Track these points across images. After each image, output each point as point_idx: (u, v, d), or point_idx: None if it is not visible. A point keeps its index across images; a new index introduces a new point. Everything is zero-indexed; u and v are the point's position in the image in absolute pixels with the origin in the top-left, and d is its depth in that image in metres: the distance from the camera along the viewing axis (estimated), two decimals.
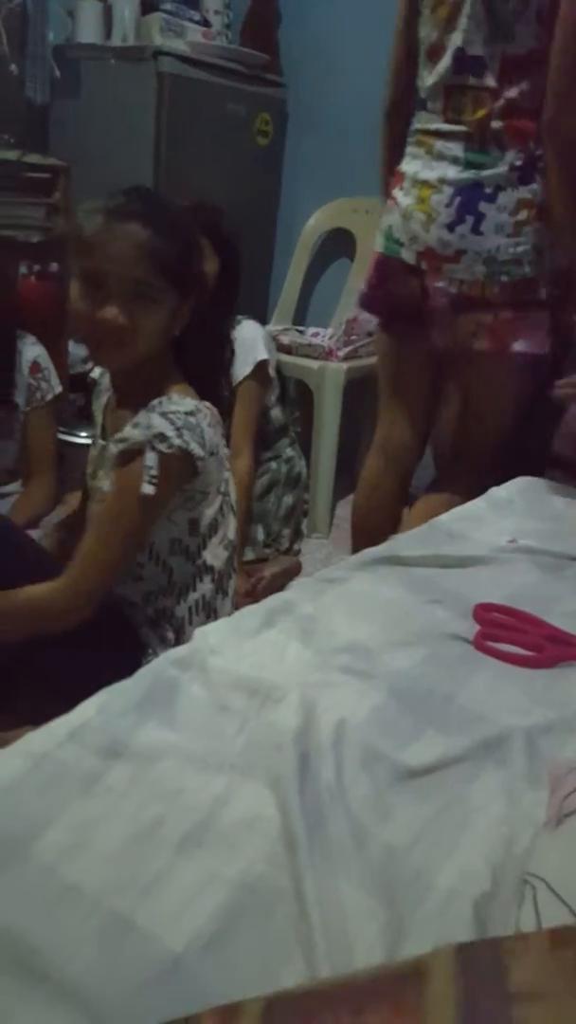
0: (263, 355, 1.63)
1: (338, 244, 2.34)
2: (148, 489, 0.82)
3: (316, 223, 2.32)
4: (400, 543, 0.94)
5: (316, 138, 2.33)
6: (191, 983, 0.41)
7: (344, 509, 2.23)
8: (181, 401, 0.87)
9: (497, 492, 1.16)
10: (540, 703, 0.67)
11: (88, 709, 0.59)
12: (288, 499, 1.85)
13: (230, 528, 0.97)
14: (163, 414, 0.84)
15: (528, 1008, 0.22)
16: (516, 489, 1.18)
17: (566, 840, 0.44)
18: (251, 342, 1.64)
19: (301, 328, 2.24)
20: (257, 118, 2.24)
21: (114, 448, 0.87)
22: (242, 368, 1.62)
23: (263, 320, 1.97)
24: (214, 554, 0.93)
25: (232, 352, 1.62)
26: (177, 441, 0.82)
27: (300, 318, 2.40)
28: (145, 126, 1.98)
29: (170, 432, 0.83)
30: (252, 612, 0.75)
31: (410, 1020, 0.23)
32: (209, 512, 0.91)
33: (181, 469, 0.85)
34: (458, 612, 0.80)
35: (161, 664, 0.65)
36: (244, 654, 0.68)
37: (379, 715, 0.63)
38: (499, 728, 0.63)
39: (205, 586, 0.94)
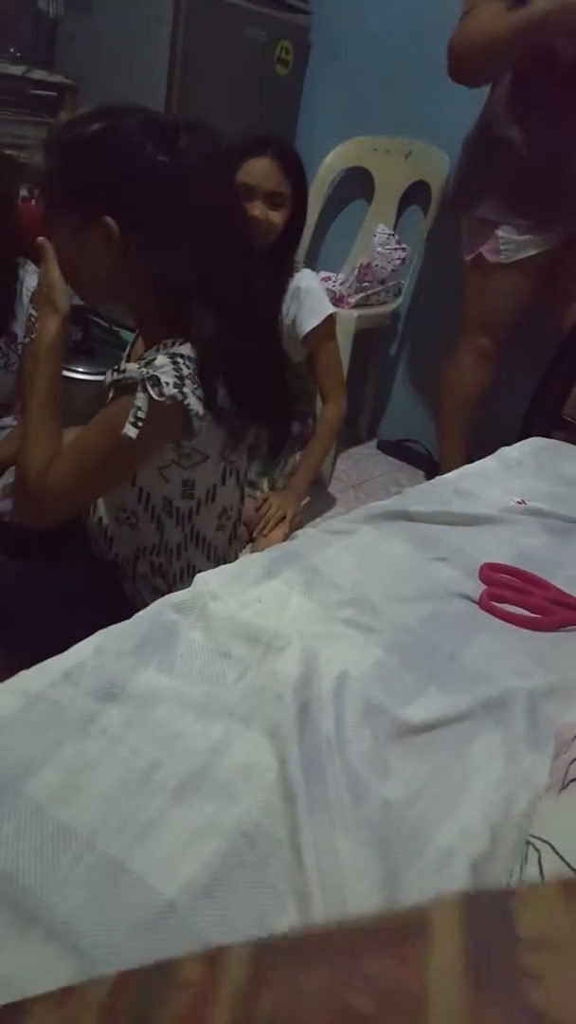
0: (331, 308, 1.58)
1: (355, 184, 2.24)
2: (130, 431, 0.72)
3: (333, 161, 2.22)
4: (407, 498, 0.91)
5: (338, 72, 2.21)
6: (183, 929, 0.41)
7: (345, 463, 2.20)
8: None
9: (508, 452, 1.14)
10: (543, 666, 0.66)
11: (84, 650, 0.58)
12: (296, 457, 1.82)
13: (231, 501, 0.90)
14: (172, 355, 0.74)
15: (540, 955, 0.21)
16: (528, 449, 1.15)
17: (572, 805, 0.43)
18: (316, 291, 1.59)
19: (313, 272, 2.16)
20: (278, 46, 2.12)
21: (109, 378, 0.80)
22: (310, 320, 1.56)
23: None
24: (206, 523, 0.88)
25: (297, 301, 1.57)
26: (172, 391, 0.72)
27: (312, 261, 2.32)
28: (159, 46, 1.86)
29: (169, 378, 0.72)
30: (255, 560, 0.73)
31: (413, 967, 0.22)
32: (208, 477, 0.85)
33: (171, 422, 0.75)
34: (464, 571, 0.78)
35: (160, 608, 0.64)
36: (247, 602, 0.66)
37: (381, 669, 0.62)
38: (501, 689, 0.62)
39: (193, 554, 0.90)
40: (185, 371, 0.73)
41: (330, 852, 0.46)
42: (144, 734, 0.51)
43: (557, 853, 0.39)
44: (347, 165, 2.21)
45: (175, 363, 0.73)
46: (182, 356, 0.74)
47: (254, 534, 1.39)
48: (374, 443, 2.33)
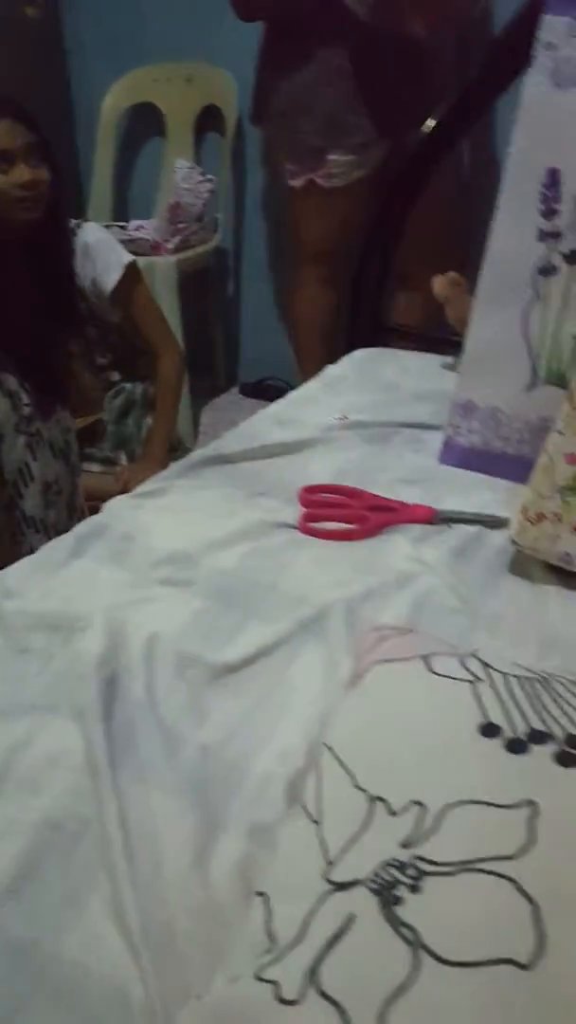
0: (126, 256, 1.50)
1: (144, 121, 2.12)
2: None
3: (114, 100, 2.09)
4: (224, 441, 0.90)
5: (98, 3, 2.06)
6: None
7: (209, 415, 2.16)
8: None
9: (331, 370, 1.13)
10: (362, 572, 0.67)
11: None
12: (149, 420, 1.77)
13: (54, 474, 0.88)
14: None
15: None
16: (350, 364, 1.15)
17: (351, 705, 0.44)
18: (106, 243, 1.50)
19: (123, 223, 2.05)
20: None
21: None
22: (109, 275, 1.49)
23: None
24: (33, 503, 0.86)
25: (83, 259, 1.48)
26: None
27: (121, 212, 2.20)
28: None
29: None
30: (59, 544, 0.70)
31: None
32: (13, 456, 0.82)
33: None
34: (283, 500, 0.78)
35: None
36: (52, 589, 0.64)
37: (198, 620, 0.61)
38: (319, 605, 0.62)
39: (33, 539, 0.87)
40: None
41: (145, 814, 0.45)
42: None
43: (334, 755, 0.39)
44: (130, 102, 2.08)
45: None
46: None
47: None
48: (236, 389, 2.30)
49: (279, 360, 2.18)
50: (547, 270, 0.71)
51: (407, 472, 0.83)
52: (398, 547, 0.70)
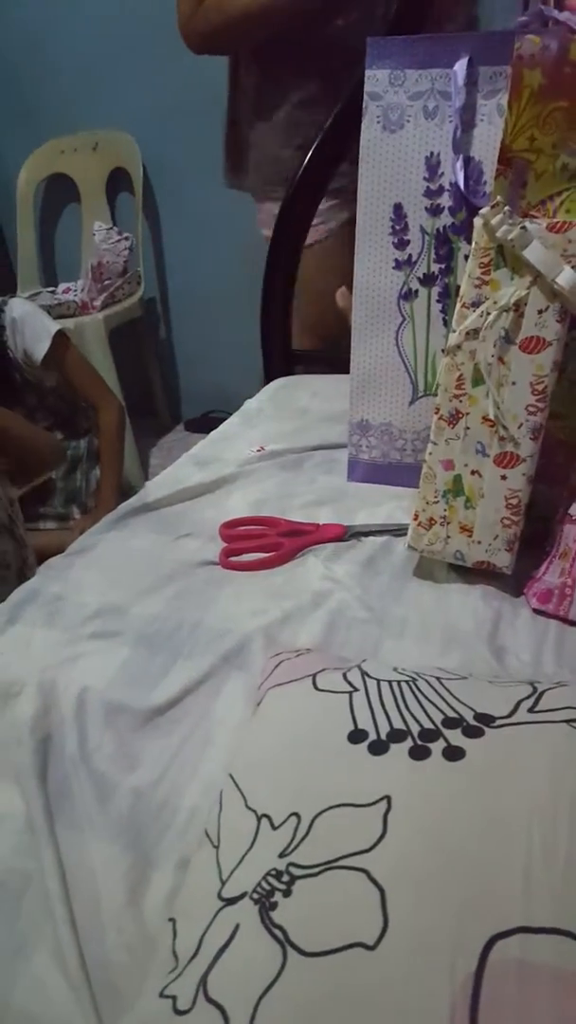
0: (53, 327, 1.56)
1: (59, 191, 2.20)
2: None
3: (28, 175, 2.17)
4: (147, 490, 0.94)
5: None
6: None
7: (159, 456, 2.21)
8: None
9: (249, 404, 1.18)
10: (279, 598, 0.71)
11: None
12: (97, 472, 1.81)
13: None
14: None
15: None
16: (266, 396, 1.20)
17: (249, 730, 0.47)
18: (32, 316, 1.56)
19: (53, 288, 2.12)
20: None
21: None
22: (39, 344, 1.55)
23: (12, 292, 1.86)
24: None
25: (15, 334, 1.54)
26: None
27: (50, 278, 2.28)
28: None
29: None
30: None
31: None
32: None
33: None
34: (206, 538, 0.82)
35: None
36: None
37: (127, 668, 0.64)
38: (240, 636, 0.66)
39: None
40: None
41: (82, 861, 0.49)
42: None
43: (233, 781, 0.43)
44: (43, 175, 2.16)
45: None
46: None
47: None
48: (181, 426, 2.35)
49: (219, 393, 2.23)
50: (408, 295, 0.76)
51: (319, 494, 0.87)
52: (311, 568, 0.74)
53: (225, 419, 2.13)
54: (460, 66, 0.71)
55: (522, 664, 0.60)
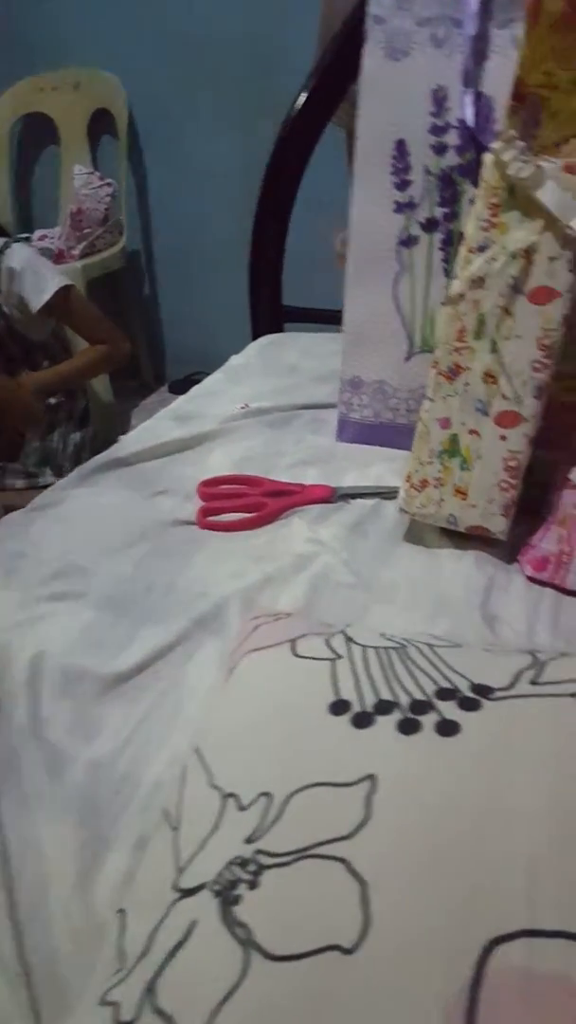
0: (58, 282, 1.47)
1: (37, 131, 2.09)
2: None
3: (3, 112, 2.05)
4: (121, 444, 0.88)
5: None
6: None
7: (141, 417, 2.13)
8: None
9: (234, 360, 1.12)
10: (260, 560, 0.66)
11: None
12: (75, 436, 1.74)
13: None
14: None
15: None
16: (253, 352, 1.14)
17: (220, 698, 0.43)
18: (35, 265, 1.47)
19: (28, 235, 2.01)
20: None
21: None
22: (40, 296, 1.46)
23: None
24: None
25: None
26: None
27: (26, 224, 2.17)
28: None
29: None
30: None
31: None
32: None
33: None
34: (182, 497, 0.77)
35: None
36: None
37: (89, 632, 0.59)
38: (216, 599, 0.61)
39: None
40: None
41: (29, 841, 0.44)
42: None
43: (200, 755, 0.38)
44: (20, 113, 2.05)
45: None
46: None
47: None
48: (165, 388, 2.27)
49: (205, 354, 2.15)
50: (408, 241, 0.70)
51: (306, 454, 0.82)
52: (296, 530, 0.69)
53: None
54: None
55: (515, 634, 0.56)
